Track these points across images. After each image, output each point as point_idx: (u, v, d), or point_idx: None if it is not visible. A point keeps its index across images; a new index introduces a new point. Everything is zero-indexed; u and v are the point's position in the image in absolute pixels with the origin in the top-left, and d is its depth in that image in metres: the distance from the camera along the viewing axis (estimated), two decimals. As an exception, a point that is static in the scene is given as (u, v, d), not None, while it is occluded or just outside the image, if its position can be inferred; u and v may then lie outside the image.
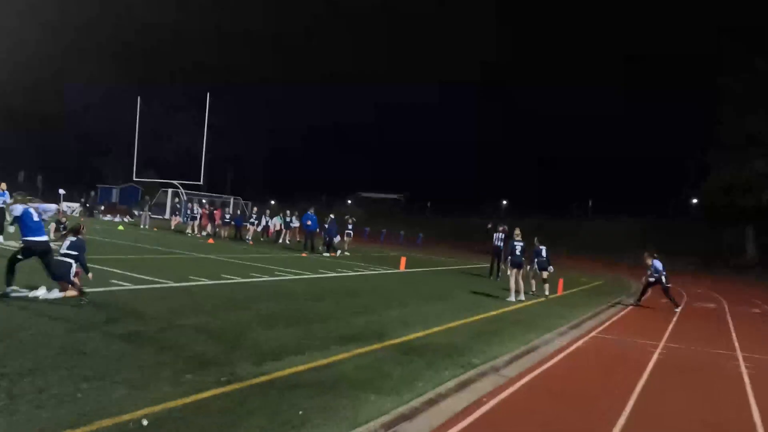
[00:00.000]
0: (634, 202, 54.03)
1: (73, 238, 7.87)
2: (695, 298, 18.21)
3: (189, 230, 26.35)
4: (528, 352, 7.21)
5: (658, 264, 13.57)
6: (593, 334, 9.25)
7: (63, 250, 7.68)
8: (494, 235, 16.99)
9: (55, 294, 7.35)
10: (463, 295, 12.66)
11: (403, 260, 18.60)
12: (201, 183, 35.54)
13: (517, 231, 13.07)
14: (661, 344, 8.75)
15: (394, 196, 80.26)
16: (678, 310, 13.19)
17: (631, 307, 13.48)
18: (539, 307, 11.88)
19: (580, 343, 8.31)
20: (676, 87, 60.64)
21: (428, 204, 74.17)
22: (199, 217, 26.69)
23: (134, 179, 40.05)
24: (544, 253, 13.75)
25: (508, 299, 12.17)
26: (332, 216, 21.31)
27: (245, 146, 77.80)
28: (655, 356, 7.72)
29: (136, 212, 43.02)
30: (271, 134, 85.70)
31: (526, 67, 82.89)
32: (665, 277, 13.54)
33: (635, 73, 72.52)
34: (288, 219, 25.45)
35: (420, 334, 7.54)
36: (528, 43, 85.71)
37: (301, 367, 5.32)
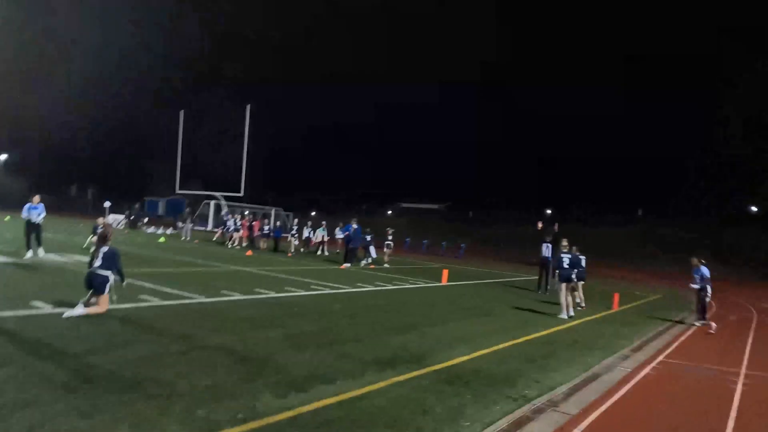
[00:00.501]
0: (688, 209, 51.62)
1: (105, 248, 7.56)
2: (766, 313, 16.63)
3: (229, 242, 26.30)
4: (589, 381, 6.33)
5: (706, 271, 12.26)
6: (660, 358, 8.23)
7: (98, 263, 7.36)
8: (542, 245, 15.98)
9: (79, 311, 6.99)
10: (510, 311, 11.77)
11: (445, 273, 17.80)
12: (242, 194, 35.72)
13: (564, 242, 12.13)
14: (742, 372, 7.67)
15: (435, 206, 79.31)
16: (712, 330, 11.50)
17: (696, 326, 12.23)
18: (595, 326, 10.88)
19: (647, 370, 7.34)
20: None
21: (470, 213, 72.82)
22: (239, 228, 26.62)
23: (177, 191, 40.72)
24: (583, 263, 12.70)
25: (559, 316, 11.22)
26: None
27: (283, 157, 78.83)
28: (738, 388, 6.70)
29: (179, 224, 43.77)
30: (306, 144, 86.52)
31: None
32: (710, 288, 12.23)
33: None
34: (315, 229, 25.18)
35: (465, 357, 6.79)
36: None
37: (330, 400, 4.68)
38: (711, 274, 12.38)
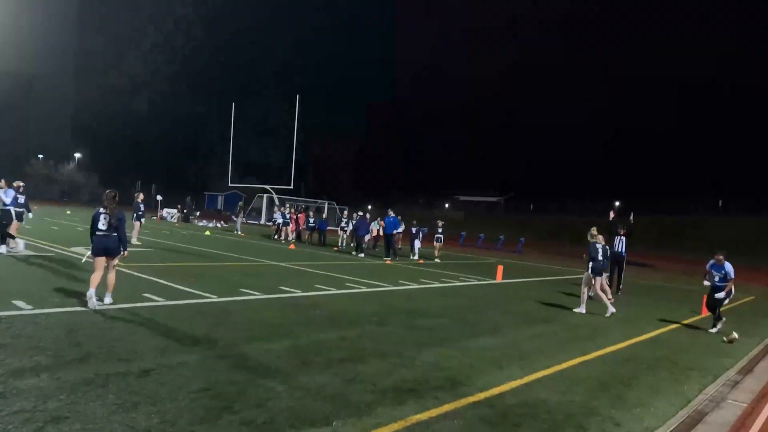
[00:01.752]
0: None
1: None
2: None
3: (275, 235, 25.53)
4: (692, 424, 4.58)
5: None
6: (782, 385, 6.26)
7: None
8: (615, 238, 13.90)
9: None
10: (575, 317, 9.91)
11: (500, 269, 16.02)
12: (291, 187, 35.04)
13: (593, 231, 10.86)
14: None
15: (494, 198, 76.41)
16: None
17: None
18: (684, 336, 8.91)
19: (769, 404, 5.45)
20: None
21: (531, 206, 69.52)
22: (289, 222, 25.80)
23: (229, 185, 40.69)
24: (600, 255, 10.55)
25: (606, 315, 9.55)
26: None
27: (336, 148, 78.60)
28: None
29: (233, 218, 43.95)
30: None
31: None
32: None
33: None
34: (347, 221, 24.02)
35: (515, 382, 5.19)
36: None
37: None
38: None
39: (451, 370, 5.41)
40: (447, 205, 74.60)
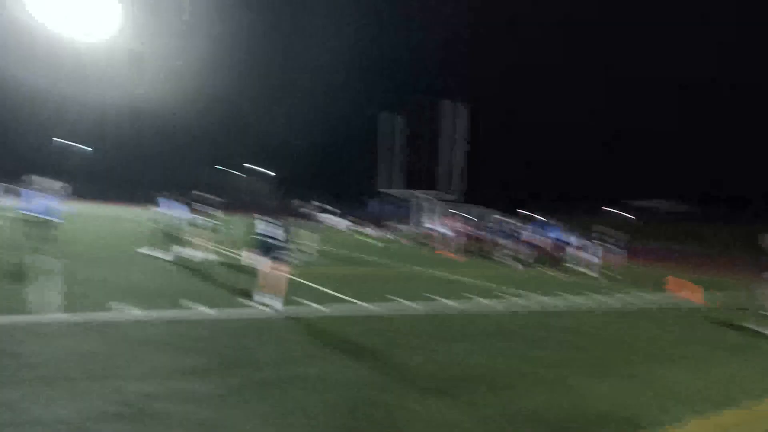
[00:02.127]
0: None
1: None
2: None
3: (436, 244, 25.64)
4: None
5: None
6: None
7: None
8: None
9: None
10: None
11: (692, 287, 13.95)
12: (455, 195, 35.02)
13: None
14: None
15: (679, 205, 68.08)
16: None
17: None
18: None
19: None
20: None
21: (722, 211, 60.39)
22: (449, 231, 25.78)
23: (387, 189, 42.01)
24: None
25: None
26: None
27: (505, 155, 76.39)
28: None
29: (392, 225, 45.21)
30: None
31: None
32: None
33: None
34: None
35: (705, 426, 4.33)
36: None
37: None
38: None
39: (620, 407, 4.72)
40: (620, 213, 68.40)
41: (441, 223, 26.47)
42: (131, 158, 77.41)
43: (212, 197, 13.33)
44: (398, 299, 9.08)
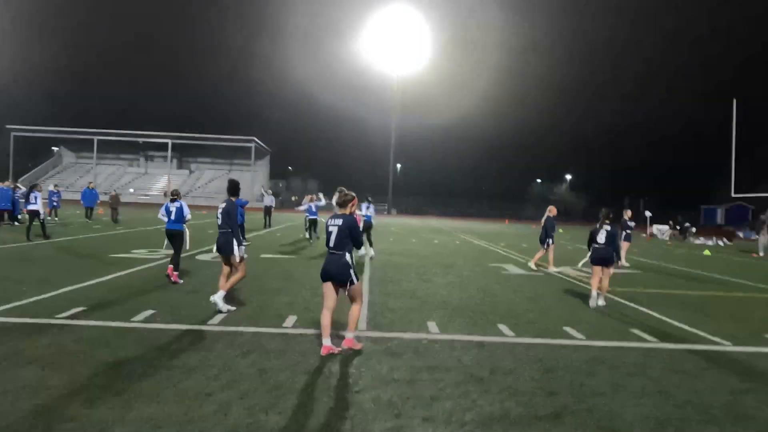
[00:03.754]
0: None
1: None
2: None
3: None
4: None
5: None
6: None
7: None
8: None
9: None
10: None
11: None
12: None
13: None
14: None
15: None
16: None
17: None
18: None
19: None
20: None
21: None
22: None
23: (733, 195, 34.15)
24: None
25: None
26: None
27: None
28: None
29: (740, 234, 36.96)
30: None
31: None
32: None
33: None
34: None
35: None
36: None
37: None
38: None
39: None
40: None
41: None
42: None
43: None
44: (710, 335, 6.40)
